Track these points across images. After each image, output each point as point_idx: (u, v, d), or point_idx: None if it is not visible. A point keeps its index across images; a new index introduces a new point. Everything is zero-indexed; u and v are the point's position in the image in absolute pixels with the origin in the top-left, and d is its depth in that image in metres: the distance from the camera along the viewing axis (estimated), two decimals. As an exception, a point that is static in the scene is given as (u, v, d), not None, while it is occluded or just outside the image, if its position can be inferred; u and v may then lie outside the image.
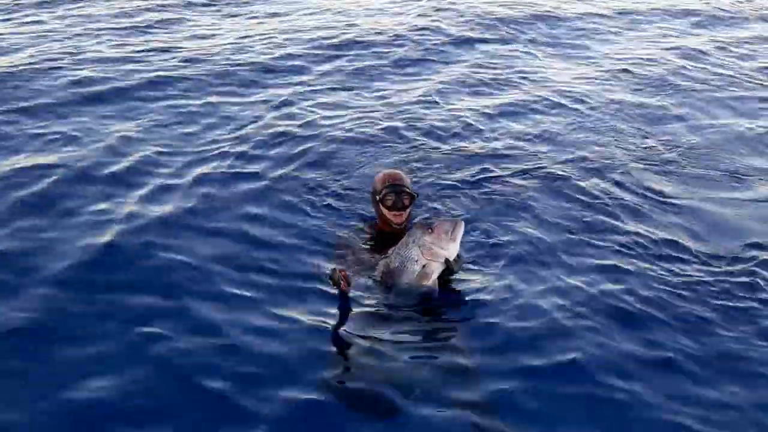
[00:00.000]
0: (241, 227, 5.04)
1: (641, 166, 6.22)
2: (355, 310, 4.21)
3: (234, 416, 3.55)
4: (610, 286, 4.54)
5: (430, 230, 4.26)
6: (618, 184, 5.86)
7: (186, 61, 8.14)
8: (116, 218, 4.99)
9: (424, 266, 4.23)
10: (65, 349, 3.89)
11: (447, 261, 4.22)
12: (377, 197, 4.71)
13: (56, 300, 4.23)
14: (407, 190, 4.70)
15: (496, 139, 6.67)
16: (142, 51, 8.40)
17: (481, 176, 5.90)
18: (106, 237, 4.77)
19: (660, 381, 3.85)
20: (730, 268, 4.78)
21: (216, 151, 6.07)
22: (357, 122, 6.84)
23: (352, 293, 4.22)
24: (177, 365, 3.83)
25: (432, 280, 4.25)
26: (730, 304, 4.44)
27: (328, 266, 4.39)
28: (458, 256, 4.30)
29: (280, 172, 5.86)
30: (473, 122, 6.97)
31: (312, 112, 7.03)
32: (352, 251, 4.63)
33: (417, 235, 4.29)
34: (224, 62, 8.20)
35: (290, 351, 3.96)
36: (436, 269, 4.25)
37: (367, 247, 4.70)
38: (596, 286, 4.55)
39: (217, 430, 3.49)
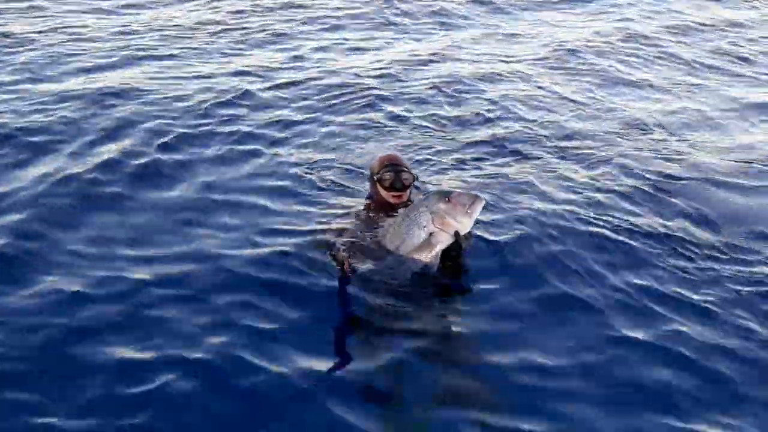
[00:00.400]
0: (222, 189, 5.30)
1: (639, 144, 6.36)
2: (352, 287, 4.10)
3: (208, 378, 3.57)
4: (613, 271, 4.50)
5: (447, 199, 3.97)
6: (619, 165, 5.92)
7: (163, 33, 8.47)
8: (96, 164, 5.44)
9: (431, 234, 3.96)
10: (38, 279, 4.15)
11: (457, 235, 3.98)
12: (375, 177, 4.61)
13: (30, 233, 4.57)
14: (406, 169, 4.63)
15: (490, 112, 6.88)
16: (124, 25, 8.75)
17: (475, 157, 5.96)
18: (82, 182, 5.20)
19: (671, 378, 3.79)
20: (739, 247, 4.86)
21: (197, 114, 6.44)
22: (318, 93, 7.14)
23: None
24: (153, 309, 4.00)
25: (435, 253, 3.99)
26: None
27: (334, 241, 4.35)
28: (469, 234, 4.09)
29: (271, 138, 6.15)
30: (455, 99, 7.18)
31: (296, 81, 7.33)
32: (347, 233, 4.48)
33: (432, 200, 4.01)
34: (206, 32, 8.59)
35: (276, 319, 3.94)
36: (443, 241, 3.97)
37: (360, 236, 4.44)
38: (599, 272, 4.49)
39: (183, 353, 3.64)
